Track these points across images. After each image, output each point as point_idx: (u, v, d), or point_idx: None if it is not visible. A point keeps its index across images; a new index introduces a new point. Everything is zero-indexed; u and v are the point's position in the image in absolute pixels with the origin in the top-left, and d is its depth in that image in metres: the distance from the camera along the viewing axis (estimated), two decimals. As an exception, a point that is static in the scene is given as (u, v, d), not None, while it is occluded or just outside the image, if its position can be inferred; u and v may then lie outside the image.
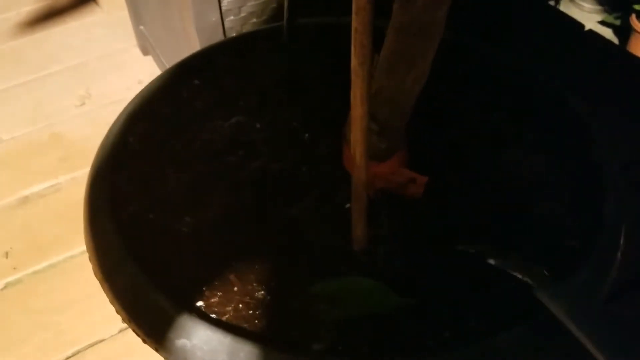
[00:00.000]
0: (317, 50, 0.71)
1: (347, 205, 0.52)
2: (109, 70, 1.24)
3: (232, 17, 0.85)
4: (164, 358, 0.44)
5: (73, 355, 0.81)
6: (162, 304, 0.45)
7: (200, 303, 0.48)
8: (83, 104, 1.16)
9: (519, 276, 0.46)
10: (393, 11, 0.43)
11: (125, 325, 0.84)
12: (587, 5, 1.55)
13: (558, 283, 0.44)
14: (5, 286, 0.89)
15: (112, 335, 0.83)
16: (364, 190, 0.46)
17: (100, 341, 0.83)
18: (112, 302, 0.48)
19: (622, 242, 0.47)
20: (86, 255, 0.93)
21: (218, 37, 0.85)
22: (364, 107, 0.41)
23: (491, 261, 0.47)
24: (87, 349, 0.82)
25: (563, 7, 1.49)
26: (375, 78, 0.46)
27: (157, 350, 0.45)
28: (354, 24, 0.37)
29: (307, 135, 0.64)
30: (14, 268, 0.91)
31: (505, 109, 0.62)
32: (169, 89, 0.65)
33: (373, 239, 0.51)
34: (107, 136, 0.59)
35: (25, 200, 1.00)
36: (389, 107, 0.48)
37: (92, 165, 0.56)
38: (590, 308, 0.41)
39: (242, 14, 0.85)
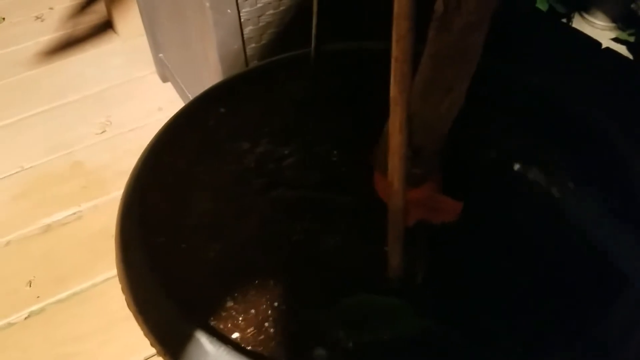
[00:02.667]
0: (341, 76, 0.71)
1: (379, 231, 0.51)
2: (128, 98, 1.25)
3: (253, 45, 0.85)
4: (202, 393, 0.43)
5: (97, 385, 0.81)
6: (198, 337, 0.45)
7: (229, 329, 0.47)
8: (103, 131, 1.17)
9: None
10: (428, 37, 0.43)
11: (149, 353, 0.84)
12: (600, 23, 1.55)
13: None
14: (29, 315, 0.89)
15: (136, 365, 0.82)
16: (400, 218, 0.46)
17: (125, 371, 0.82)
18: (146, 335, 0.47)
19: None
20: (109, 283, 0.93)
21: (240, 65, 0.85)
22: (402, 134, 0.40)
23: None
24: (111, 379, 0.81)
25: (575, 25, 1.49)
26: (410, 103, 0.46)
27: (193, 384, 0.44)
28: (394, 53, 0.36)
29: (334, 160, 0.64)
30: (37, 297, 0.90)
31: (536, 131, 0.62)
32: (195, 118, 0.66)
33: (409, 266, 0.50)
34: (135, 166, 0.59)
35: (47, 228, 1.00)
36: (424, 132, 0.47)
37: (123, 196, 0.56)
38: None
39: (263, 42, 0.86)
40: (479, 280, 0.51)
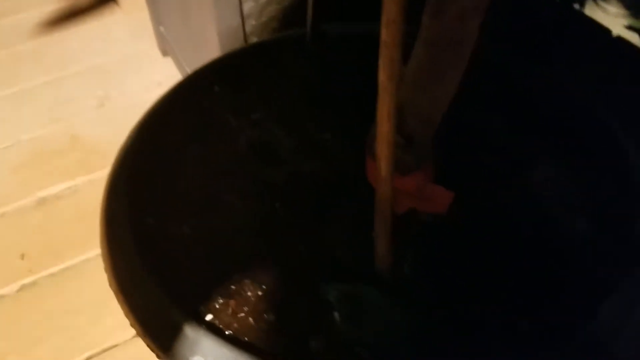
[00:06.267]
0: (340, 57, 0.69)
1: (371, 219, 0.50)
2: (128, 72, 1.24)
3: (253, 22, 0.83)
4: (179, 376, 0.43)
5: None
6: (178, 319, 0.44)
7: (212, 314, 0.47)
8: (102, 105, 1.16)
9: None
10: (422, 23, 0.41)
11: (139, 331, 0.84)
12: (613, 10, 1.52)
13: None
14: (21, 288, 0.89)
15: (125, 341, 0.82)
16: (388, 206, 0.45)
17: (114, 346, 0.82)
18: (126, 316, 0.47)
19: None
20: (102, 259, 0.92)
21: (239, 42, 0.83)
22: (390, 122, 0.39)
23: None
24: (100, 353, 0.82)
25: (588, 11, 1.46)
26: (401, 90, 0.44)
27: (171, 367, 0.44)
28: (382, 37, 0.35)
29: (328, 144, 0.63)
30: (30, 270, 0.90)
31: (534, 125, 0.60)
32: (188, 96, 0.64)
33: (397, 256, 0.49)
34: (124, 144, 0.58)
35: (42, 201, 1.00)
36: (416, 120, 0.46)
37: (110, 175, 0.55)
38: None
39: (263, 19, 0.84)
40: (467, 273, 0.50)
